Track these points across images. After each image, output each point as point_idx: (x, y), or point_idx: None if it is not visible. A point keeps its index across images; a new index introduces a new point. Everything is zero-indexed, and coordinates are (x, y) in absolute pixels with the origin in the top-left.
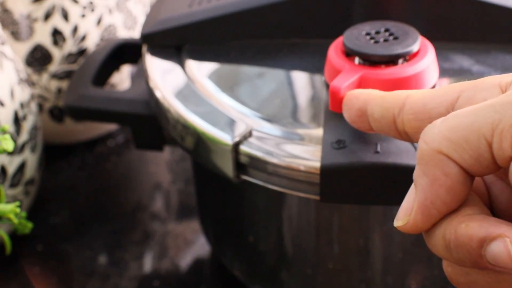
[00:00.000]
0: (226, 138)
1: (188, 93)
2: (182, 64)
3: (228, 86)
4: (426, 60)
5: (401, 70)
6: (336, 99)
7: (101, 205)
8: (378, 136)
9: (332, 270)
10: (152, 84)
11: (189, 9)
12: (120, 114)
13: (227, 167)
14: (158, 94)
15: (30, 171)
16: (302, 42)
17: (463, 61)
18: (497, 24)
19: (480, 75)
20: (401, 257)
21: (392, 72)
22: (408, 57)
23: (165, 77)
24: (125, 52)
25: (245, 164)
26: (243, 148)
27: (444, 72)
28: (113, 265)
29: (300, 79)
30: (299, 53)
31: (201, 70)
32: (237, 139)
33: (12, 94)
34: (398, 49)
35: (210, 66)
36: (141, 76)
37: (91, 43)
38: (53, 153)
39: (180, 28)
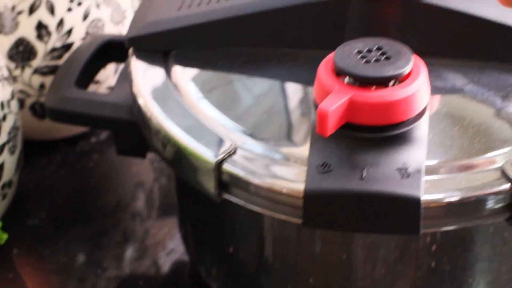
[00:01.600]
0: (209, 155)
1: (172, 103)
2: (168, 71)
3: (215, 97)
4: (418, 82)
5: (392, 93)
6: (324, 123)
7: (81, 205)
8: (365, 160)
9: (313, 285)
10: (135, 90)
11: (178, 12)
12: (103, 119)
13: (209, 185)
14: (140, 101)
15: (8, 173)
16: (293, 52)
17: (456, 79)
18: (492, 41)
19: (473, 95)
20: (384, 273)
21: (382, 95)
22: (399, 78)
23: (149, 84)
24: (112, 50)
25: (227, 183)
26: (226, 167)
27: (436, 91)
28: (91, 266)
29: (289, 92)
30: (289, 64)
31: (187, 78)
32: (220, 157)
33: None
34: (389, 71)
35: (197, 74)
36: (126, 78)
37: (76, 38)
38: (33, 150)
39: (168, 33)
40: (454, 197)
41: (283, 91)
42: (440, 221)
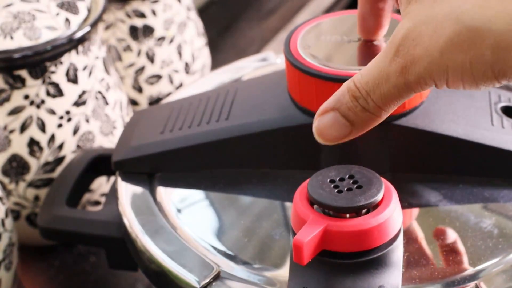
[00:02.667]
0: (193, 280)
1: (156, 225)
2: (152, 192)
3: (198, 219)
4: (390, 209)
5: (365, 221)
6: (300, 253)
7: None
8: (343, 284)
9: None
10: (121, 210)
11: (161, 136)
12: (94, 237)
13: None
14: (126, 222)
15: None
16: (273, 172)
17: (430, 196)
18: (461, 157)
19: (447, 212)
20: None
21: (355, 223)
22: (371, 206)
23: (134, 204)
24: (102, 164)
25: None
26: None
27: (410, 208)
28: None
29: (270, 213)
30: (269, 184)
31: (171, 199)
32: (205, 281)
33: None
34: (361, 201)
35: (180, 196)
36: (115, 194)
37: (68, 151)
38: (32, 254)
39: (151, 156)
40: None
41: (264, 213)
42: None
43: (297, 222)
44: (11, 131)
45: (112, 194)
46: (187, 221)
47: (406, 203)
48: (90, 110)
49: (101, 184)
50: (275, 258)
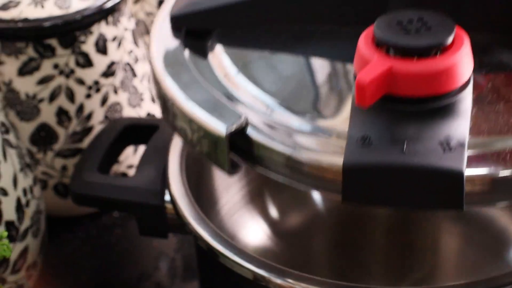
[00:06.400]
0: (219, 128)
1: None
2: (211, 48)
3: (254, 73)
4: (460, 53)
5: (432, 63)
6: (363, 93)
7: (104, 280)
8: (406, 133)
9: None
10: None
11: None
12: (125, 203)
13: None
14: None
15: (32, 255)
16: (336, 28)
17: (503, 55)
18: None
19: None
20: None
21: (423, 65)
22: (441, 49)
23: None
24: (131, 133)
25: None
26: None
27: (481, 66)
28: None
29: (331, 69)
30: (331, 41)
31: (226, 52)
32: (231, 128)
33: (15, 182)
34: (429, 41)
35: (239, 52)
36: (147, 162)
37: (96, 122)
38: (58, 226)
39: (211, 10)
40: (499, 172)
41: (325, 69)
42: (486, 197)
43: (360, 63)
44: (40, 100)
45: (144, 162)
46: (246, 77)
47: (476, 59)
48: (119, 81)
49: (128, 156)
50: (335, 110)
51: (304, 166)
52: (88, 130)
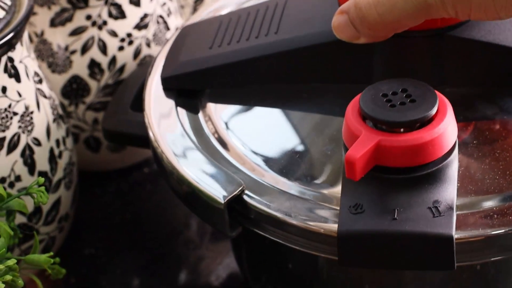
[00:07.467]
0: (218, 195)
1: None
2: (202, 108)
3: (247, 135)
4: (444, 123)
5: (419, 136)
6: (353, 169)
7: (135, 234)
8: (396, 200)
9: None
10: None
11: (210, 51)
12: None
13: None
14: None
15: (65, 207)
16: (323, 86)
17: (486, 109)
18: None
19: (504, 123)
20: None
21: (409, 138)
22: (425, 121)
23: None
24: None
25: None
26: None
27: (466, 122)
28: None
29: (321, 128)
30: (319, 99)
31: (220, 115)
32: (230, 196)
33: (48, 132)
34: (415, 115)
35: (230, 111)
36: None
37: (128, 75)
38: (88, 181)
39: (200, 72)
40: (488, 231)
41: (315, 128)
42: (477, 254)
43: (349, 137)
44: (72, 52)
45: None
46: (236, 136)
47: (461, 117)
48: (151, 34)
49: None
50: (327, 174)
51: (300, 232)
52: (120, 83)
